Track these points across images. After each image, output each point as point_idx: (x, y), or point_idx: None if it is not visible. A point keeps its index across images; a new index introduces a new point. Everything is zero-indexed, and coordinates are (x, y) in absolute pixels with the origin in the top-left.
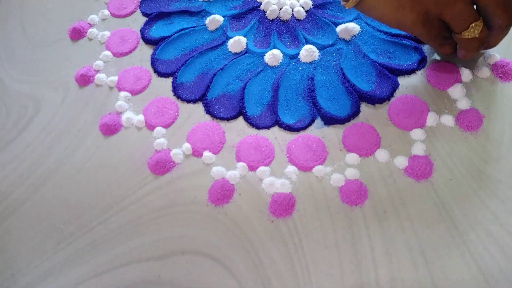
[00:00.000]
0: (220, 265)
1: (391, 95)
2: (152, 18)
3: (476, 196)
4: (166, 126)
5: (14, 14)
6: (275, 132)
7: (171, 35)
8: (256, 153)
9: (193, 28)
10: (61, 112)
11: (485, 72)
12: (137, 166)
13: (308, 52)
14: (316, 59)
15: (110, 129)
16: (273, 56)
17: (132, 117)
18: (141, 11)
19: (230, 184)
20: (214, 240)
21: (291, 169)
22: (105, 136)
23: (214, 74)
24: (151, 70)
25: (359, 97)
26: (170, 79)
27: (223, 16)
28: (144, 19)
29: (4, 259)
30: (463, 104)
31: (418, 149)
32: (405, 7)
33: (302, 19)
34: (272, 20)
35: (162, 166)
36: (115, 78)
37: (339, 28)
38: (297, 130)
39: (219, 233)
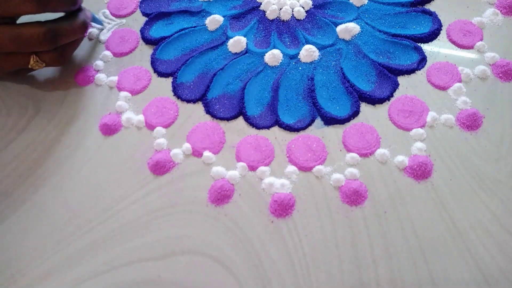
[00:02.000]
0: (220, 265)
1: (391, 95)
2: (152, 18)
3: (476, 196)
4: (166, 126)
5: None
6: (275, 132)
7: (171, 35)
8: (256, 153)
9: (193, 28)
10: (61, 112)
11: (485, 72)
12: (137, 166)
13: (308, 52)
14: (316, 59)
15: (110, 129)
16: (273, 56)
17: (132, 117)
18: (141, 11)
19: (230, 184)
20: (214, 240)
21: (291, 169)
22: (105, 136)
23: (214, 74)
24: (151, 70)
25: (359, 97)
26: (170, 79)
27: (223, 16)
28: (144, 19)
29: (4, 259)
30: (463, 104)
31: (418, 149)
32: None
33: (302, 19)
34: (272, 20)
35: (162, 166)
36: (115, 78)
37: (339, 28)
38: (297, 130)
39: (219, 233)
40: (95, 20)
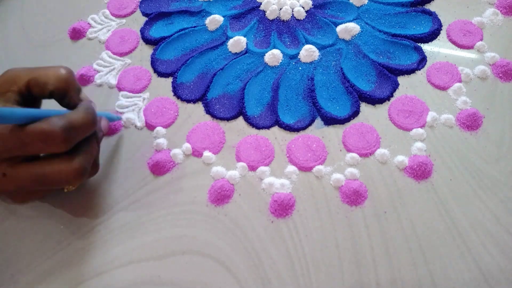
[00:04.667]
0: (220, 265)
1: (391, 95)
2: (152, 18)
3: (476, 196)
4: (166, 126)
5: (14, 14)
6: (275, 132)
7: (171, 35)
8: (256, 153)
9: (193, 28)
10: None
11: (485, 72)
12: (137, 166)
13: (308, 52)
14: (316, 59)
15: (110, 129)
16: (273, 56)
17: (132, 117)
18: (141, 11)
19: (230, 184)
20: (214, 240)
21: (291, 169)
22: (105, 136)
23: (214, 74)
24: (151, 70)
25: (359, 97)
26: (170, 79)
27: (223, 16)
28: (144, 19)
29: (4, 259)
30: (463, 104)
31: (418, 149)
32: None
33: (302, 19)
34: (272, 20)
35: (162, 166)
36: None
37: (339, 28)
38: (297, 130)
39: (219, 233)
40: (111, 119)
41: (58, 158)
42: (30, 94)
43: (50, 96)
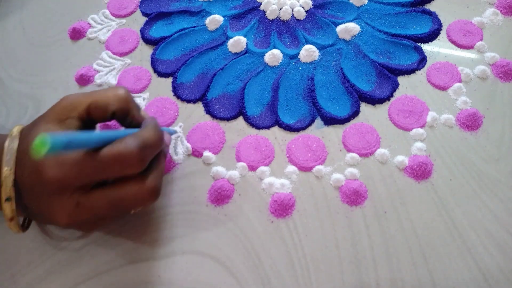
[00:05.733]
0: (220, 265)
1: (391, 95)
2: (152, 18)
3: (476, 196)
4: (166, 126)
5: (14, 14)
6: (275, 132)
7: (171, 35)
8: (256, 153)
9: (193, 28)
10: None
11: (485, 72)
12: None
13: (308, 52)
14: (316, 59)
15: (111, 129)
16: (273, 56)
17: None
18: (141, 11)
19: (230, 184)
20: (214, 240)
21: (291, 169)
22: None
23: (214, 74)
24: (151, 70)
25: (359, 97)
26: (170, 79)
27: (223, 16)
28: (144, 19)
29: (4, 259)
30: (463, 104)
31: (418, 149)
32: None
33: (302, 19)
34: (272, 20)
35: None
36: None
37: (339, 28)
38: (297, 130)
39: (219, 233)
40: (168, 132)
41: (131, 180)
42: (90, 119)
43: (111, 117)
